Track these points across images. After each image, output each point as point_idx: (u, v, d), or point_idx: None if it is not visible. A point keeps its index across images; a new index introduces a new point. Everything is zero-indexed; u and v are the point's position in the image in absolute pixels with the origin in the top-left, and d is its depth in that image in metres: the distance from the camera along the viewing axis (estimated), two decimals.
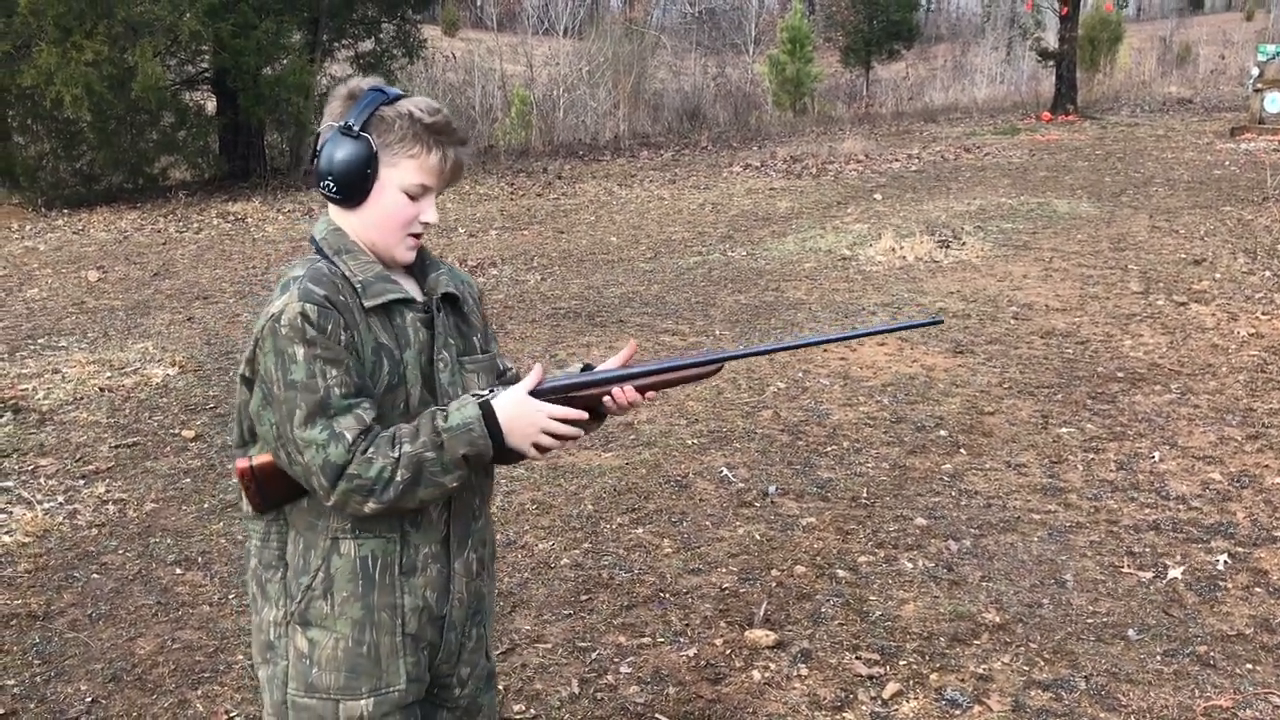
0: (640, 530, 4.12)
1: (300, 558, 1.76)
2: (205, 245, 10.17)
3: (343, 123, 1.72)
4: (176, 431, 5.31)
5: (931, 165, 13.86)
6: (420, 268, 1.86)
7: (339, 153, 1.72)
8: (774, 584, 3.70)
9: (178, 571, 3.94)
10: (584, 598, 3.65)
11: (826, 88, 24.84)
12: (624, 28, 23.13)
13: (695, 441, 4.96)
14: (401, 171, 1.74)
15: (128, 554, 4.08)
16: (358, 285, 1.73)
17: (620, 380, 1.79)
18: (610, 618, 3.52)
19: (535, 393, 1.75)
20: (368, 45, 14.71)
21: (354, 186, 1.74)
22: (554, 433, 1.75)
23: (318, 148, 1.77)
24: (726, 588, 3.69)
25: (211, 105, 13.86)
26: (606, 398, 1.79)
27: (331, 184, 1.74)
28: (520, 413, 1.73)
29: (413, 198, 1.76)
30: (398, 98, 1.75)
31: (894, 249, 8.63)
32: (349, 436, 1.64)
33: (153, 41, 11.29)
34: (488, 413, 1.71)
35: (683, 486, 4.49)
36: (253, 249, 9.92)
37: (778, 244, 9.33)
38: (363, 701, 1.77)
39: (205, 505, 4.48)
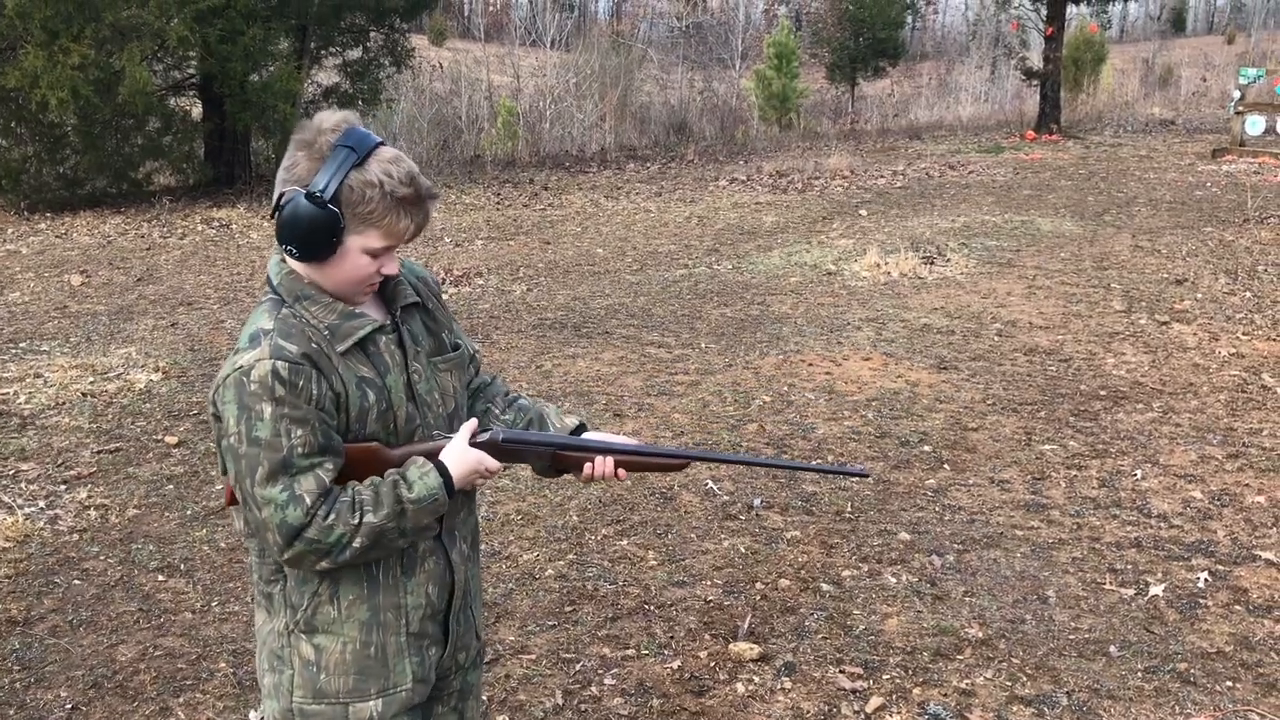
0: (625, 542, 4.12)
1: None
2: (189, 251, 10.13)
3: (309, 189, 1.65)
4: (159, 437, 5.29)
5: (916, 182, 13.94)
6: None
7: (304, 220, 1.66)
8: (758, 597, 3.71)
9: (160, 578, 3.92)
10: (568, 609, 3.65)
11: (812, 104, 24.96)
12: (611, 40, 23.20)
13: None
14: (367, 238, 1.70)
15: (109, 560, 4.05)
16: (325, 330, 1.71)
17: (602, 451, 1.87)
18: (595, 629, 3.51)
19: (513, 440, 1.86)
20: (356, 53, 14.69)
21: (318, 250, 1.70)
22: (486, 474, 1.84)
23: (280, 204, 1.69)
24: (711, 600, 3.69)
25: (198, 111, 13.80)
26: (587, 465, 1.88)
27: (294, 249, 1.70)
28: (466, 465, 1.80)
29: (375, 257, 1.73)
30: (368, 154, 1.67)
31: (879, 265, 8.67)
32: (308, 500, 1.65)
33: (140, 46, 11.24)
34: (446, 476, 1.76)
35: (668, 499, 4.50)
36: (237, 255, 9.89)
37: (763, 258, 9.36)
38: (371, 703, 1.80)
39: (188, 511, 4.46)
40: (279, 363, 1.64)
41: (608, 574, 3.88)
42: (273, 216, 1.72)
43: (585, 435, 1.95)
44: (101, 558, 4.08)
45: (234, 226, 11.31)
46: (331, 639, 1.78)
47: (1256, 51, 37.42)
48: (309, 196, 1.65)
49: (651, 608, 3.65)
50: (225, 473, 1.73)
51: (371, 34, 14.72)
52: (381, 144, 1.70)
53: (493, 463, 1.83)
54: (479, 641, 2.04)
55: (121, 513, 4.46)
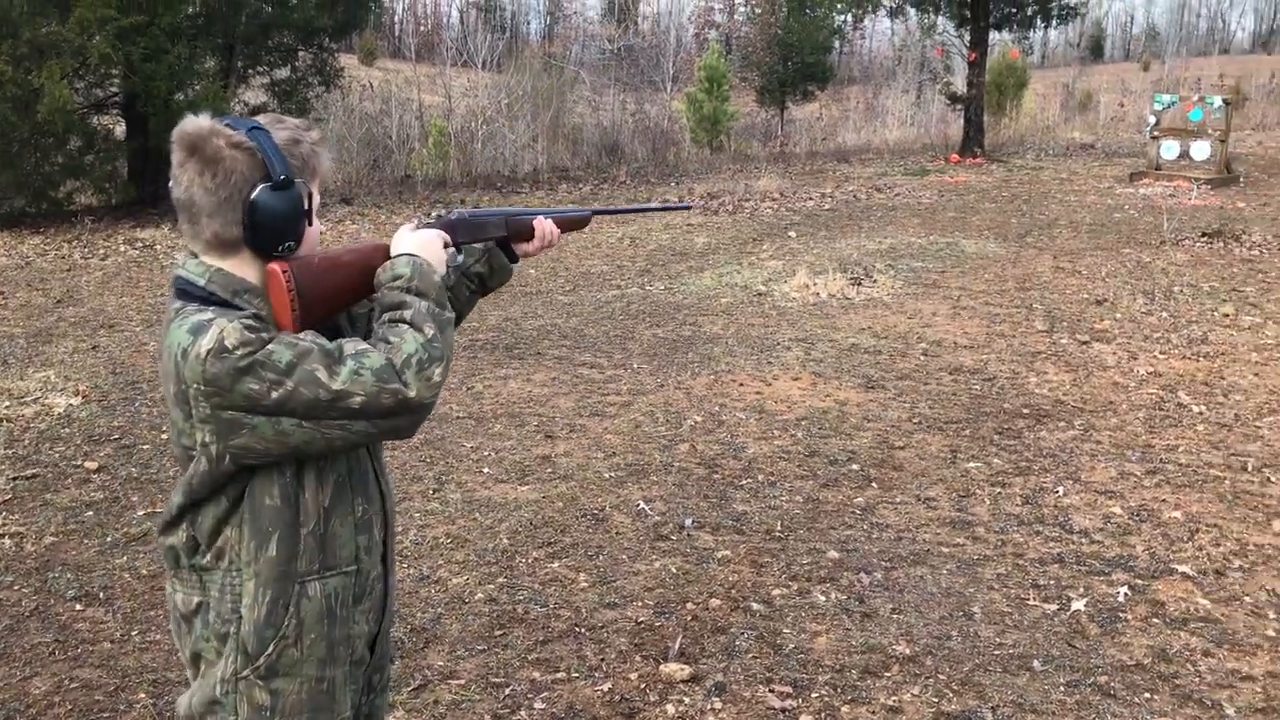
0: (556, 564, 4.10)
1: (266, 608, 1.70)
2: (112, 272, 9.92)
3: (272, 181, 1.67)
4: (79, 463, 5.16)
5: (844, 204, 14.13)
6: None
7: (287, 209, 1.69)
8: (689, 617, 3.71)
9: (78, 607, 3.81)
10: (498, 633, 3.62)
11: (743, 126, 25.20)
12: (543, 62, 23.23)
13: (612, 475, 4.97)
14: (315, 195, 1.78)
15: (24, 589, 3.94)
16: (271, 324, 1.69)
17: (542, 214, 2.09)
18: (524, 653, 3.49)
19: (473, 218, 2.01)
20: (284, 73, 14.53)
21: (300, 229, 1.72)
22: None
23: (251, 215, 1.67)
24: (642, 621, 3.69)
25: (121, 130, 13.54)
26: (536, 225, 2.07)
27: (292, 243, 1.71)
28: (420, 238, 1.85)
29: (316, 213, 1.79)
30: (266, 125, 1.72)
31: (808, 285, 8.77)
32: (367, 345, 1.64)
33: (60, 64, 11.01)
34: (406, 251, 1.80)
35: (599, 520, 4.49)
36: (161, 277, 9.70)
37: (695, 279, 9.42)
38: None
39: (108, 539, 4.35)
40: (239, 321, 1.61)
41: (538, 596, 3.86)
42: (246, 231, 1.68)
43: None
44: (16, 587, 3.96)
45: (158, 247, 11.09)
46: (291, 681, 1.73)
47: (1171, 78, 38.61)
48: (277, 186, 1.67)
49: (582, 630, 3.64)
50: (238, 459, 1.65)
51: (300, 53, 14.58)
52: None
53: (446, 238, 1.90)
54: (391, 664, 2.04)
55: (38, 540, 4.33)
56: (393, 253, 1.80)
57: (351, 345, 1.64)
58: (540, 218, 2.08)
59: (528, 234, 2.07)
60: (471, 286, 2.15)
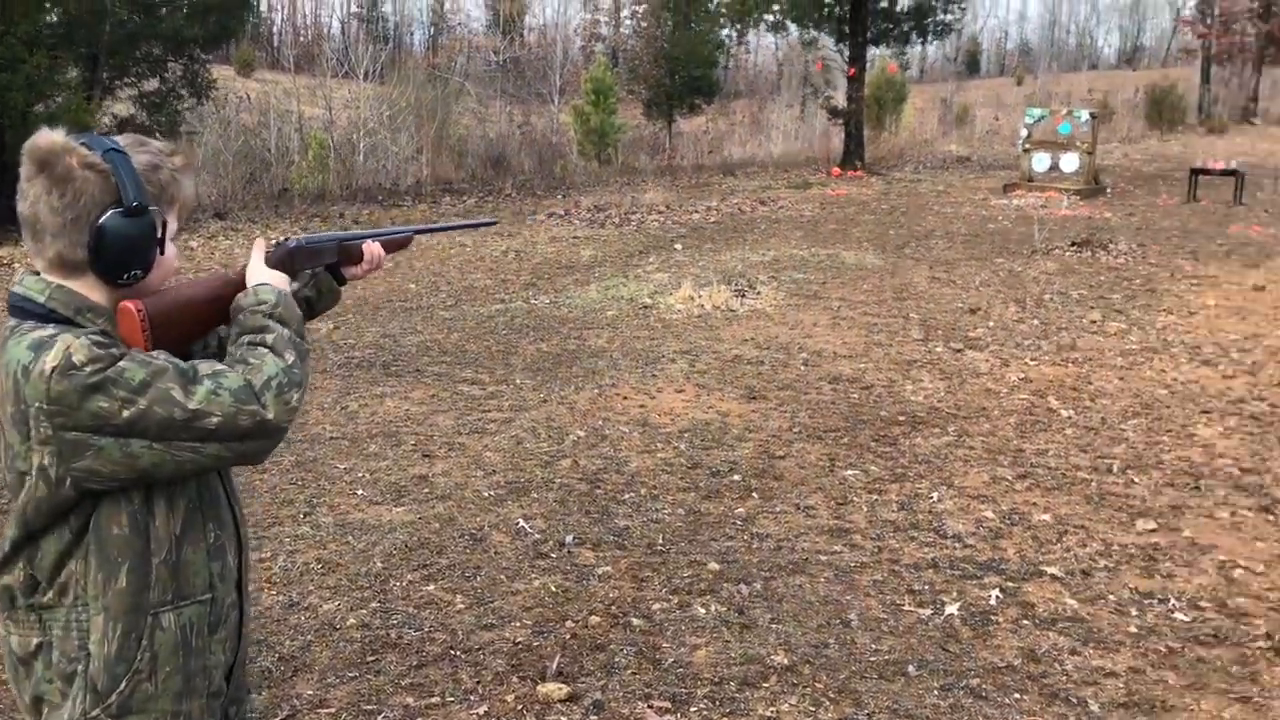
0: (432, 586, 4.01)
1: (117, 644, 1.62)
2: None
3: (125, 206, 1.60)
4: None
5: (729, 217, 14.27)
6: None
7: (137, 236, 1.62)
8: (568, 635, 3.66)
9: None
10: (371, 659, 3.51)
11: (630, 139, 25.31)
12: (427, 73, 22.98)
13: (492, 493, 4.88)
14: (170, 222, 1.71)
15: None
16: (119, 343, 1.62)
17: (371, 237, 2.10)
18: (398, 678, 3.39)
19: (309, 244, 1.96)
20: (153, 84, 14.07)
21: (150, 258, 1.66)
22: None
23: (97, 239, 1.59)
24: (520, 642, 3.62)
25: None
26: (366, 248, 2.07)
27: (139, 271, 1.64)
28: (271, 273, 1.82)
29: (172, 240, 1.73)
30: (126, 147, 1.66)
31: (693, 298, 8.81)
32: (223, 366, 1.61)
33: None
34: (264, 284, 1.77)
35: (477, 540, 4.40)
36: None
37: (580, 292, 9.39)
38: None
39: None
40: (87, 337, 1.54)
41: (413, 620, 3.76)
42: (91, 254, 1.61)
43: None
44: None
45: (16, 266, 10.61)
46: (145, 717, 1.65)
47: (1043, 93, 40.14)
48: (129, 212, 1.60)
49: (458, 653, 3.55)
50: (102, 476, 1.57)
51: (170, 64, 14.14)
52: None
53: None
54: (249, 695, 1.97)
55: None
56: (250, 282, 1.77)
57: (207, 366, 1.60)
58: (369, 241, 2.09)
59: (358, 257, 2.07)
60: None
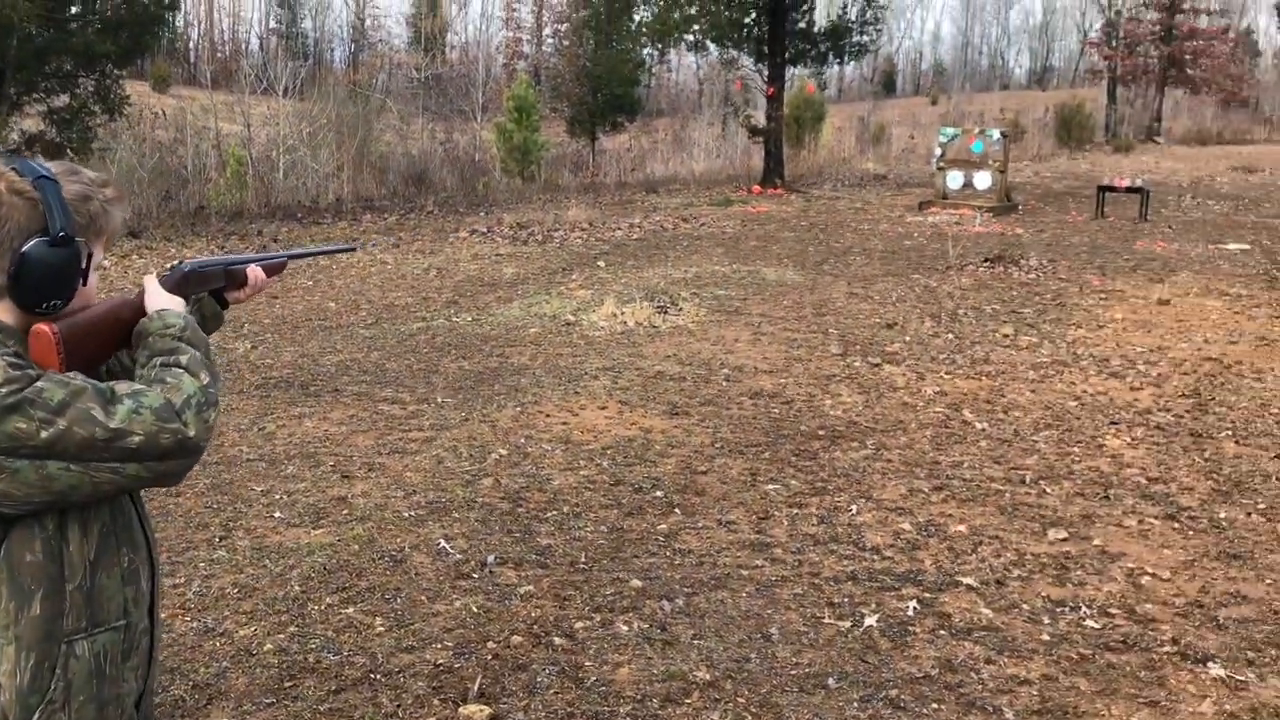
0: (351, 610, 3.95)
1: (30, 673, 1.58)
2: None
3: (52, 236, 1.59)
4: None
5: (652, 234, 14.35)
6: None
7: (60, 267, 1.61)
8: (490, 656, 3.63)
9: None
10: (288, 684, 3.45)
11: (554, 156, 25.34)
12: (348, 90, 22.77)
13: (412, 514, 4.84)
14: (97, 253, 1.70)
15: None
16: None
17: (251, 261, 2.12)
18: (316, 704, 3.34)
19: (201, 269, 1.99)
20: (63, 100, 13.73)
21: (72, 289, 1.65)
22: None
23: (19, 267, 1.58)
24: (441, 664, 3.59)
25: None
26: (249, 273, 2.08)
27: (59, 301, 1.64)
28: (171, 299, 1.82)
29: (95, 269, 1.72)
30: (58, 175, 1.64)
31: (616, 314, 8.84)
32: (141, 385, 1.60)
33: None
34: (167, 309, 1.77)
35: (398, 561, 4.36)
36: None
37: (503, 309, 9.36)
38: None
39: None
40: (1, 359, 1.52)
41: (332, 644, 3.70)
42: (12, 282, 1.59)
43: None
44: None
45: None
46: None
47: (956, 112, 41.06)
48: (54, 242, 1.59)
49: (378, 676, 3.51)
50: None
51: (81, 79, 13.82)
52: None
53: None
54: None
55: None
56: (151, 308, 1.77)
57: (125, 386, 1.59)
58: (253, 265, 2.11)
59: (242, 281, 2.09)
60: None
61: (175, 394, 1.60)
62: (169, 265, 2.02)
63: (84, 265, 1.65)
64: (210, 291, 2.07)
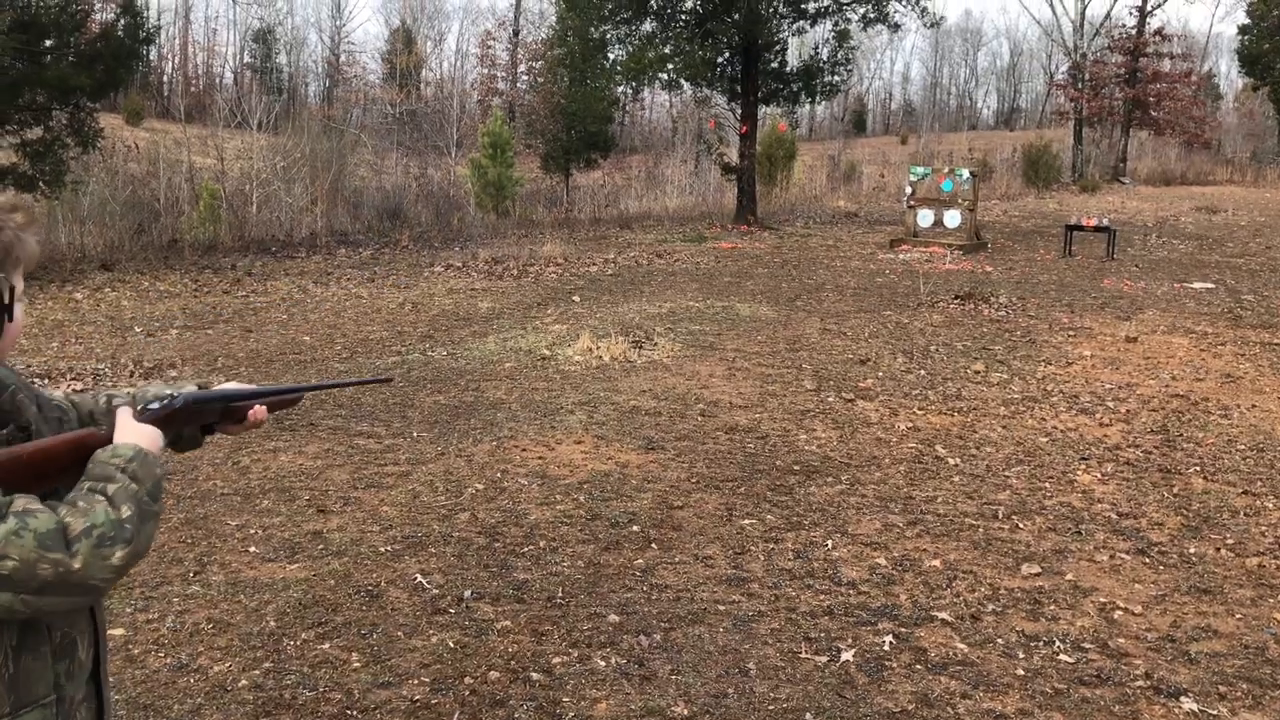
0: (327, 645, 3.93)
1: None
2: None
3: None
4: None
5: (627, 270, 14.41)
6: None
7: None
8: (467, 692, 3.62)
9: None
10: None
11: (528, 192, 25.46)
12: (322, 124, 22.81)
13: (389, 549, 4.82)
14: (16, 284, 1.59)
15: None
16: None
17: (261, 395, 1.96)
18: None
19: (196, 403, 1.81)
20: (36, 132, 13.69)
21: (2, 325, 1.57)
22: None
23: None
24: (418, 700, 3.57)
25: None
26: (251, 412, 1.92)
27: None
28: (147, 434, 1.67)
29: (18, 300, 1.61)
30: None
31: (591, 349, 8.86)
32: (41, 506, 1.43)
33: None
34: (126, 441, 1.63)
35: (374, 596, 4.34)
36: None
37: (478, 344, 9.36)
38: None
39: None
40: None
41: (308, 680, 3.68)
42: None
43: (224, 387, 1.95)
44: None
45: None
46: None
47: (925, 151, 41.58)
48: None
49: (354, 712, 3.49)
50: None
51: (55, 112, 13.78)
52: None
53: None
54: None
55: None
56: (118, 438, 1.64)
57: (22, 502, 1.43)
58: (256, 405, 1.94)
59: (240, 418, 1.93)
60: None
61: (77, 520, 1.44)
62: (165, 394, 1.90)
63: (6, 301, 1.55)
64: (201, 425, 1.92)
